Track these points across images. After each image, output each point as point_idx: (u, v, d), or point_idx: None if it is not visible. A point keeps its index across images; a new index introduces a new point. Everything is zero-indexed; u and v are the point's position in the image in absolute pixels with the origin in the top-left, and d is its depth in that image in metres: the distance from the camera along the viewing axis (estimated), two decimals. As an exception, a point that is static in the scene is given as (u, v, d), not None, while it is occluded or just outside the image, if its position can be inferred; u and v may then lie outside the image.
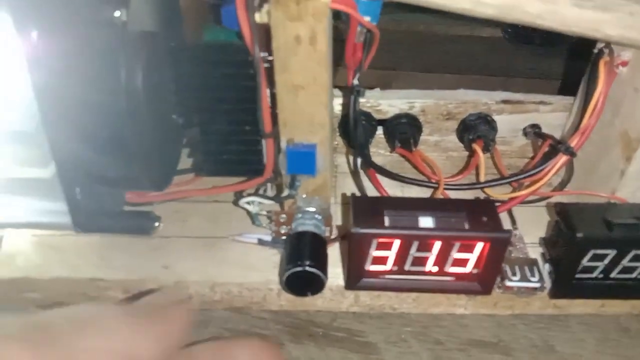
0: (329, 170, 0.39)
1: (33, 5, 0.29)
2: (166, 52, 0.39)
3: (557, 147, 0.42)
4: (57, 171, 0.34)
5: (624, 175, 0.40)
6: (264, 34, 0.33)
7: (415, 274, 0.37)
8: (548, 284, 0.39)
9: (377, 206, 0.36)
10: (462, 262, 0.37)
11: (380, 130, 0.48)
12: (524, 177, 0.42)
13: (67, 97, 0.32)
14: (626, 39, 0.34)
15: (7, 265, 0.39)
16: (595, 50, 0.41)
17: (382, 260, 0.36)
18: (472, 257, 0.36)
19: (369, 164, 0.44)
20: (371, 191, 0.44)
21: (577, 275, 0.38)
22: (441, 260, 0.36)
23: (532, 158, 0.46)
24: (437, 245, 0.35)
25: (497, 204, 0.41)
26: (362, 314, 0.41)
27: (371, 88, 0.48)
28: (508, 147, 0.49)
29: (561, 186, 0.46)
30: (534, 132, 0.47)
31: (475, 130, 0.46)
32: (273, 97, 0.36)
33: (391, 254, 0.36)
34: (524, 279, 0.38)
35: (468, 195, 0.43)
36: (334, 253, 0.40)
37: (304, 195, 0.40)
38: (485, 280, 0.38)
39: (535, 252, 0.41)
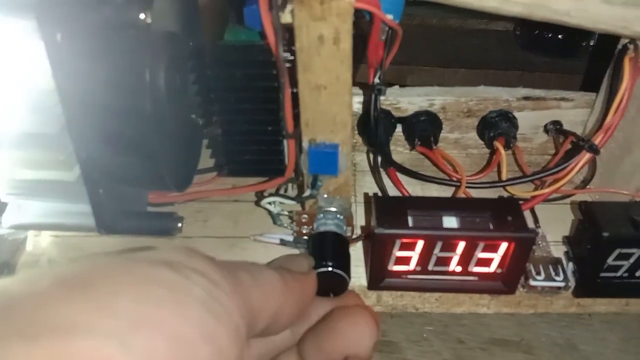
0: (350, 170, 0.39)
1: (57, 7, 0.29)
2: (187, 52, 0.39)
3: (580, 144, 0.41)
4: (82, 173, 0.35)
5: (648, 173, 0.40)
6: (286, 33, 0.33)
7: (439, 273, 0.37)
8: (572, 282, 0.38)
9: (400, 206, 0.36)
10: (486, 262, 0.36)
11: (399, 128, 0.48)
12: (547, 175, 0.42)
13: (91, 99, 0.32)
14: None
15: (32, 266, 0.39)
16: (619, 46, 0.40)
17: (405, 261, 0.36)
18: (497, 257, 0.36)
19: (389, 163, 0.44)
20: (391, 189, 0.44)
21: (602, 274, 0.38)
22: (465, 260, 0.36)
23: (554, 155, 0.46)
24: (461, 245, 0.35)
25: (520, 202, 0.41)
26: (384, 313, 0.41)
27: (390, 85, 0.47)
28: (529, 144, 0.49)
29: (584, 184, 0.45)
30: (556, 128, 0.47)
31: (496, 128, 0.45)
32: (295, 97, 0.36)
33: (414, 254, 0.36)
34: (548, 278, 0.38)
35: (490, 193, 0.43)
36: (355, 252, 0.40)
37: (325, 195, 0.39)
38: (509, 279, 0.37)
39: (558, 251, 0.40)
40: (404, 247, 0.35)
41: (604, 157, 0.43)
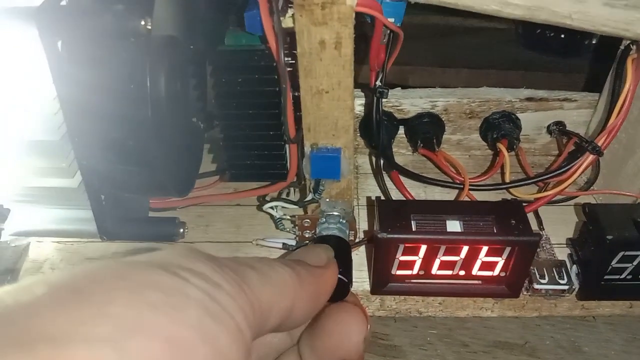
0: (353, 174, 0.38)
1: (57, 15, 0.29)
2: (188, 57, 0.38)
3: (584, 146, 0.41)
4: (83, 180, 0.34)
5: (652, 175, 0.40)
6: (287, 37, 0.33)
7: (442, 277, 0.37)
8: (576, 285, 0.38)
9: (403, 210, 0.36)
10: (490, 266, 0.36)
11: (401, 130, 0.48)
12: (550, 177, 0.42)
13: (91, 106, 0.32)
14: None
15: (35, 273, 0.39)
16: (622, 47, 0.40)
17: (408, 265, 0.36)
18: (501, 261, 0.36)
19: (392, 166, 0.43)
20: (394, 192, 0.44)
21: (606, 277, 0.38)
22: (469, 263, 0.36)
23: (557, 156, 0.46)
24: (465, 249, 0.35)
25: (524, 204, 0.41)
26: (387, 317, 0.41)
27: (392, 86, 0.47)
28: (532, 145, 0.49)
29: (587, 185, 0.45)
30: (559, 129, 0.47)
31: (500, 129, 0.45)
32: (296, 101, 0.35)
33: (418, 259, 0.36)
34: (552, 281, 0.38)
35: (493, 195, 0.43)
36: (358, 257, 0.40)
37: (327, 199, 0.39)
38: (513, 283, 0.37)
39: (562, 253, 0.40)
40: (407, 251, 0.35)
41: (608, 159, 0.43)
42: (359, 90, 0.46)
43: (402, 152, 0.49)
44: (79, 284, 0.18)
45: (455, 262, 0.36)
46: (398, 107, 0.47)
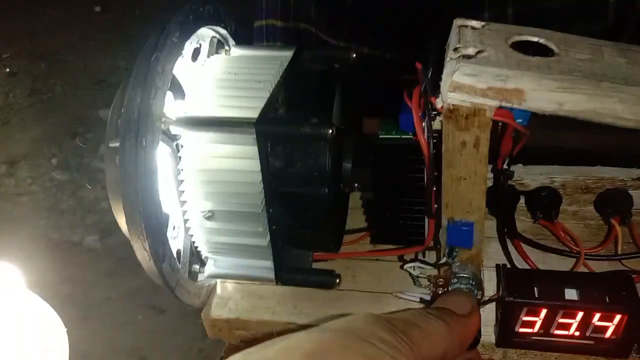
0: (483, 244, 0.46)
1: (270, 126, 0.40)
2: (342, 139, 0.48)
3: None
4: (271, 239, 0.45)
5: None
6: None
7: (559, 337, 0.43)
8: (683, 352, 0.43)
9: (526, 278, 0.43)
10: (603, 330, 0.42)
11: (522, 200, 0.55)
12: (660, 252, 0.47)
13: (284, 188, 0.42)
14: None
15: (222, 307, 0.50)
16: None
17: (530, 325, 0.43)
18: (612, 326, 0.42)
19: (514, 235, 0.51)
20: (514, 255, 0.51)
21: None
22: (583, 326, 0.42)
23: (668, 231, 0.50)
24: (580, 314, 0.41)
25: (634, 275, 0.46)
26: (508, 367, 0.48)
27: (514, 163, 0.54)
28: (644, 218, 0.54)
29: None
30: (668, 207, 0.52)
31: (613, 205, 0.51)
32: (435, 179, 0.44)
33: (539, 320, 0.42)
34: (660, 346, 0.43)
35: (606, 265, 0.48)
36: (485, 313, 0.47)
37: (459, 263, 0.47)
38: (623, 345, 0.43)
39: (671, 322, 0.45)
40: (529, 313, 0.42)
41: None
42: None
43: (523, 218, 0.56)
44: (320, 352, 0.27)
45: (571, 324, 0.42)
46: (520, 182, 0.54)
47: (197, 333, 1.32)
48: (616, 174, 0.52)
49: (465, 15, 0.43)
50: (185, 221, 0.45)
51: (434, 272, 0.48)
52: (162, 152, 0.42)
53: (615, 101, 0.37)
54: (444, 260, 0.47)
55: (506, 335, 0.44)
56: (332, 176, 0.44)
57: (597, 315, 0.41)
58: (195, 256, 0.49)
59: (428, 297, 0.48)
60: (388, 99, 0.45)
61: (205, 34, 0.48)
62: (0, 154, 1.93)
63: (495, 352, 0.46)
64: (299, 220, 0.44)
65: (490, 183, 0.50)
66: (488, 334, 0.46)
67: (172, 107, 0.43)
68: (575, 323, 0.42)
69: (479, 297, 0.47)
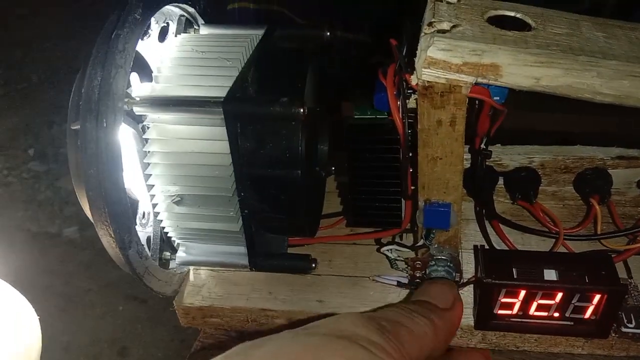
0: (460, 224, 0.45)
1: (240, 105, 0.38)
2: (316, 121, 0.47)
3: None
4: (243, 224, 0.44)
5: None
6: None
7: (538, 318, 0.43)
8: (663, 330, 0.43)
9: (505, 259, 0.42)
10: (582, 310, 0.41)
11: (501, 181, 0.54)
12: (639, 231, 0.46)
13: (255, 171, 0.41)
14: None
15: (195, 295, 0.49)
16: None
17: (509, 306, 0.42)
18: (591, 306, 0.41)
19: (493, 215, 0.50)
20: (494, 237, 0.50)
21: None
22: (562, 307, 0.42)
23: (648, 210, 0.50)
24: (559, 295, 0.41)
25: (613, 254, 0.46)
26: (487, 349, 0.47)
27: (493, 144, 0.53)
28: (622, 197, 0.53)
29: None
30: (649, 185, 0.51)
31: (592, 185, 0.50)
32: (413, 162, 0.43)
33: (517, 301, 0.42)
34: (638, 326, 0.42)
35: (586, 245, 0.48)
36: (463, 296, 0.46)
37: (436, 245, 0.46)
38: (602, 326, 0.42)
39: (650, 301, 0.44)
40: (508, 294, 0.41)
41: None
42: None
43: (502, 199, 0.55)
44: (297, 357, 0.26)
45: (550, 305, 0.42)
46: (498, 162, 0.53)
47: (179, 323, 1.31)
48: (595, 153, 0.51)
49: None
50: (154, 206, 0.44)
51: (412, 254, 0.47)
52: (126, 135, 0.41)
53: (593, 75, 0.36)
54: (421, 242, 0.46)
55: (485, 318, 0.43)
56: (306, 158, 0.42)
57: (577, 296, 0.41)
58: (166, 243, 0.47)
59: (405, 280, 0.47)
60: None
61: (173, 13, 0.46)
62: (-25, 146, 1.89)
63: (474, 335, 0.46)
64: (272, 205, 0.43)
65: (468, 164, 0.49)
66: (466, 317, 0.45)
67: (138, 88, 0.42)
68: (554, 304, 0.42)
69: (457, 279, 0.46)
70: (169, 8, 0.45)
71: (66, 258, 1.53)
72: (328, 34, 0.48)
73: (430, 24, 0.38)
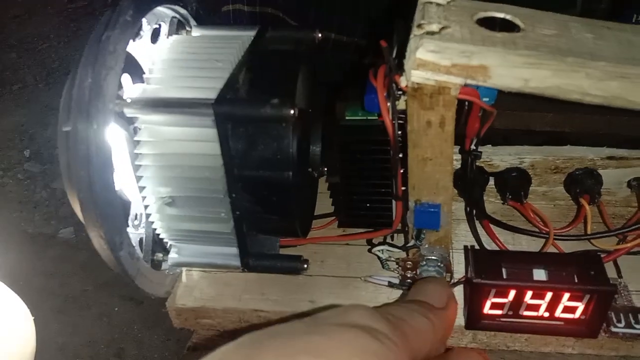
0: (450, 225, 0.45)
1: (230, 106, 0.38)
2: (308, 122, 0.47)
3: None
4: (235, 226, 0.44)
5: None
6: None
7: (528, 317, 0.43)
8: (651, 330, 0.43)
9: (494, 259, 0.42)
10: (571, 310, 0.42)
11: (491, 181, 0.54)
12: (629, 231, 0.46)
13: (246, 171, 0.41)
14: None
15: (187, 296, 0.49)
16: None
17: (499, 306, 0.42)
18: (581, 306, 0.41)
19: (483, 216, 0.50)
20: (484, 238, 0.50)
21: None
22: (552, 307, 0.42)
23: (638, 210, 0.50)
24: (549, 295, 0.41)
25: (603, 254, 0.46)
26: (478, 350, 0.47)
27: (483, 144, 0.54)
28: (613, 197, 0.53)
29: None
30: (638, 184, 0.51)
31: (582, 185, 0.50)
32: (403, 163, 0.43)
33: (507, 301, 0.42)
34: (628, 326, 0.43)
35: (576, 245, 0.48)
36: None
37: (427, 245, 0.46)
38: (592, 325, 0.42)
39: (639, 300, 0.45)
40: (498, 294, 0.41)
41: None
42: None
43: (492, 200, 0.55)
44: (298, 343, 0.26)
45: (540, 305, 0.42)
46: (489, 163, 0.53)
47: (174, 324, 1.32)
48: (585, 154, 0.51)
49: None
50: (146, 207, 0.44)
51: (403, 255, 0.47)
52: (118, 136, 0.41)
53: (582, 76, 0.36)
54: (412, 243, 0.46)
55: (475, 318, 0.43)
56: (297, 159, 0.42)
57: (566, 295, 0.41)
58: (158, 244, 0.47)
59: (396, 281, 0.47)
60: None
61: (165, 14, 0.46)
62: (-29, 147, 1.89)
63: (464, 335, 0.46)
64: (264, 206, 0.43)
65: (459, 165, 0.49)
66: (457, 317, 0.45)
67: (130, 90, 0.42)
68: (544, 304, 0.42)
69: (447, 279, 0.46)
70: (160, 9, 0.45)
71: (62, 259, 1.52)
72: (320, 36, 0.48)
73: (419, 26, 0.38)
